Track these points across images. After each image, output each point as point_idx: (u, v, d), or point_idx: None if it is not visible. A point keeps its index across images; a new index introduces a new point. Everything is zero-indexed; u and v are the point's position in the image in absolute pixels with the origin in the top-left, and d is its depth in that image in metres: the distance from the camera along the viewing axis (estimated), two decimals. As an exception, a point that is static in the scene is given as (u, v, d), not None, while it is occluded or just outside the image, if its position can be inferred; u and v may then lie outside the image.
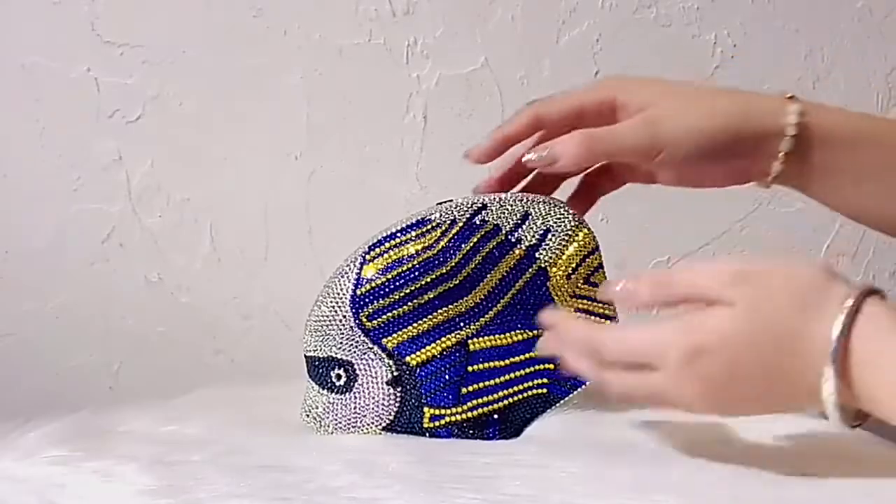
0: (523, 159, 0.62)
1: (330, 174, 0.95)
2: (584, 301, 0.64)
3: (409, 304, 0.63)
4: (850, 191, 0.63)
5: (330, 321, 0.64)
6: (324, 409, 0.65)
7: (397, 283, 0.63)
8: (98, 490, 0.56)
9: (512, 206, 0.63)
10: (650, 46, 0.96)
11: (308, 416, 0.66)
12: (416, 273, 0.63)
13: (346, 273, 0.63)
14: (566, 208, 0.64)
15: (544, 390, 0.64)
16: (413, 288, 0.63)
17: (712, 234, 1.00)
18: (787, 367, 0.49)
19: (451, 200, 0.64)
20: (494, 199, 0.63)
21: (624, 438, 0.61)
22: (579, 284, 0.64)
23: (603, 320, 0.64)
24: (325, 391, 0.65)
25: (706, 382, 0.51)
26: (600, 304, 0.64)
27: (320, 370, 0.65)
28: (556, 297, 0.63)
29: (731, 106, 0.61)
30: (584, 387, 0.63)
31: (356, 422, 0.65)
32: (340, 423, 0.65)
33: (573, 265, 0.63)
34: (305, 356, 0.66)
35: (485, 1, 0.94)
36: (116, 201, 0.93)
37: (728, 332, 0.50)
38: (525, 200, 0.63)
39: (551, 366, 0.63)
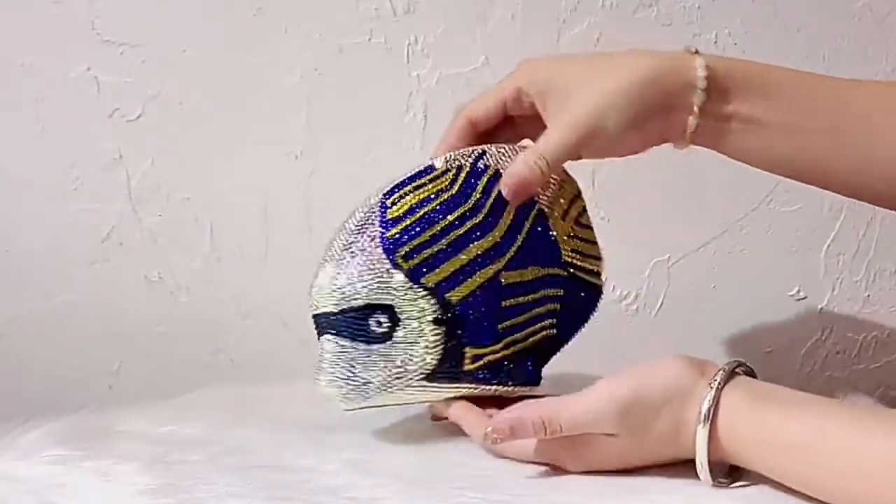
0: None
1: (330, 173, 0.95)
2: (578, 241, 0.68)
3: (443, 240, 0.63)
4: (769, 143, 0.64)
5: (363, 264, 0.63)
6: (361, 367, 0.63)
7: (426, 222, 0.63)
8: (97, 490, 0.56)
9: (507, 151, 0.66)
10: (651, 45, 0.95)
11: (336, 381, 0.63)
12: (442, 212, 0.64)
13: (370, 220, 0.63)
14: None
15: (555, 331, 0.67)
16: (443, 225, 0.63)
17: (712, 233, 1.00)
18: (669, 445, 0.56)
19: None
20: (491, 146, 0.66)
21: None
22: (573, 226, 0.68)
23: (594, 262, 0.69)
24: (360, 343, 0.63)
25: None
26: (591, 244, 0.69)
27: (355, 321, 0.63)
28: (557, 237, 0.67)
29: (640, 73, 0.63)
30: (585, 326, 0.68)
31: (398, 375, 0.63)
32: (377, 380, 0.63)
33: (565, 207, 0.67)
34: (328, 315, 0.63)
35: (485, 1, 0.94)
36: (116, 201, 0.93)
37: (614, 453, 0.57)
38: (517, 148, 0.66)
39: (558, 305, 0.66)
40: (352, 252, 0.63)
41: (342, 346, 0.63)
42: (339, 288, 0.63)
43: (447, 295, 0.63)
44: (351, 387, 0.63)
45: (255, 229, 0.95)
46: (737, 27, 0.96)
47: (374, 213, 0.63)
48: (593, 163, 0.98)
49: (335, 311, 0.63)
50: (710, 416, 0.54)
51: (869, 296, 1.03)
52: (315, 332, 0.65)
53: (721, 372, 0.55)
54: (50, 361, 0.94)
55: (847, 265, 1.03)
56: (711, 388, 0.54)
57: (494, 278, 0.64)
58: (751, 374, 0.58)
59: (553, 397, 0.58)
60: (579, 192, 0.69)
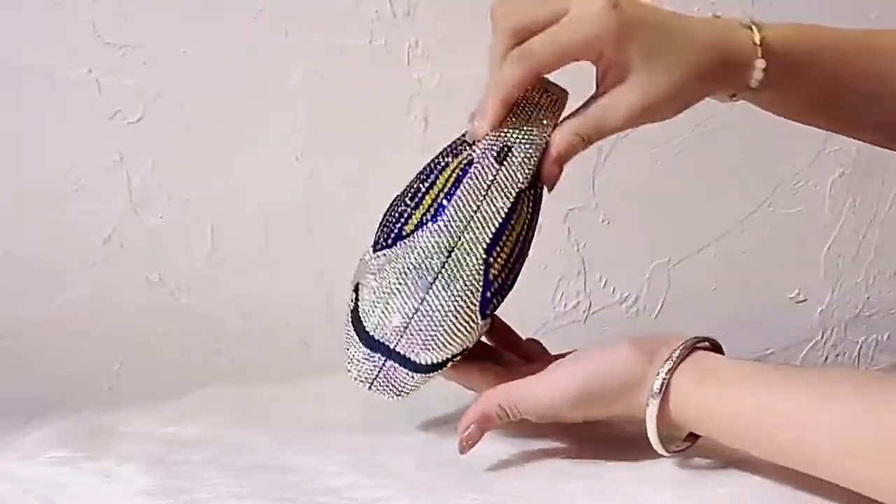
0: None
1: (330, 175, 0.95)
2: None
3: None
4: (826, 104, 0.67)
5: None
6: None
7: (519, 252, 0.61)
8: (98, 490, 0.56)
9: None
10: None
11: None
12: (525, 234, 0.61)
13: (471, 287, 0.59)
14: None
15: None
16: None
17: (713, 235, 1.00)
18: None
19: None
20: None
21: (624, 438, 0.61)
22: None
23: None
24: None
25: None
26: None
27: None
28: None
29: (706, 65, 0.62)
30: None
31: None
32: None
33: None
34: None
35: (486, 1, 0.94)
36: (117, 202, 0.93)
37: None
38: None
39: None
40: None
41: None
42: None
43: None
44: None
45: (255, 231, 0.95)
46: (737, 30, 0.96)
47: (477, 276, 0.59)
48: (593, 164, 0.99)
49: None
50: (659, 402, 0.55)
51: (869, 298, 1.04)
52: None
53: (669, 360, 0.56)
54: (51, 362, 0.94)
55: (847, 268, 1.03)
56: (658, 376, 0.55)
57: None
58: (716, 348, 0.58)
59: (506, 383, 0.59)
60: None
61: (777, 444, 0.52)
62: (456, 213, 0.60)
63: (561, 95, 0.64)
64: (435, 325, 0.59)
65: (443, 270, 0.59)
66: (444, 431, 0.65)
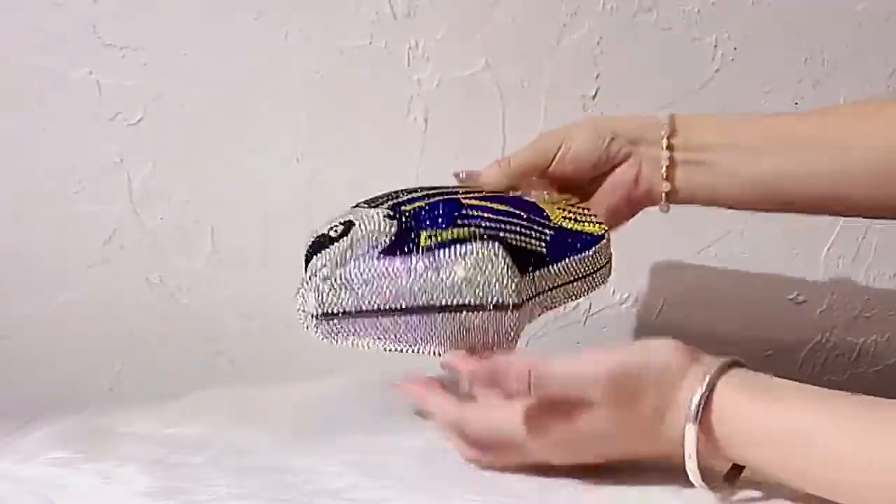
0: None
1: (330, 176, 0.95)
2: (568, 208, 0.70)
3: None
4: (739, 190, 0.71)
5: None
6: (328, 269, 0.64)
7: None
8: (99, 491, 0.56)
9: None
10: (651, 49, 0.96)
11: (310, 301, 0.65)
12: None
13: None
14: None
15: (544, 248, 0.67)
16: None
17: (713, 237, 1.00)
18: (652, 433, 0.54)
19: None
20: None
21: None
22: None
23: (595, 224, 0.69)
24: (322, 252, 0.65)
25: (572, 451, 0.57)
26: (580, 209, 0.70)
27: (318, 242, 0.66)
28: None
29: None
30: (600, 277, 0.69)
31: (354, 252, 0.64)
32: (339, 277, 0.64)
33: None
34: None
35: (486, 3, 0.94)
36: (117, 203, 0.94)
37: (595, 431, 0.55)
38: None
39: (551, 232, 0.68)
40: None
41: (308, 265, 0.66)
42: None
43: (403, 207, 0.65)
44: (318, 297, 0.65)
45: (255, 232, 0.95)
46: (737, 31, 0.96)
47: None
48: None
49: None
50: (701, 407, 0.52)
51: (868, 299, 1.04)
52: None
53: (717, 363, 0.54)
54: (51, 363, 0.94)
55: (846, 269, 1.03)
56: (706, 377, 0.52)
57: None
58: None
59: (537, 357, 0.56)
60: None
61: (821, 466, 0.49)
62: None
63: None
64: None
65: None
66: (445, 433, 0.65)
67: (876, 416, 0.49)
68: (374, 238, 0.63)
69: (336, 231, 0.64)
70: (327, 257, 0.64)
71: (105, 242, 0.94)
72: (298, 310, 0.65)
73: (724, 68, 0.97)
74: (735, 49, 0.97)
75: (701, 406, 0.52)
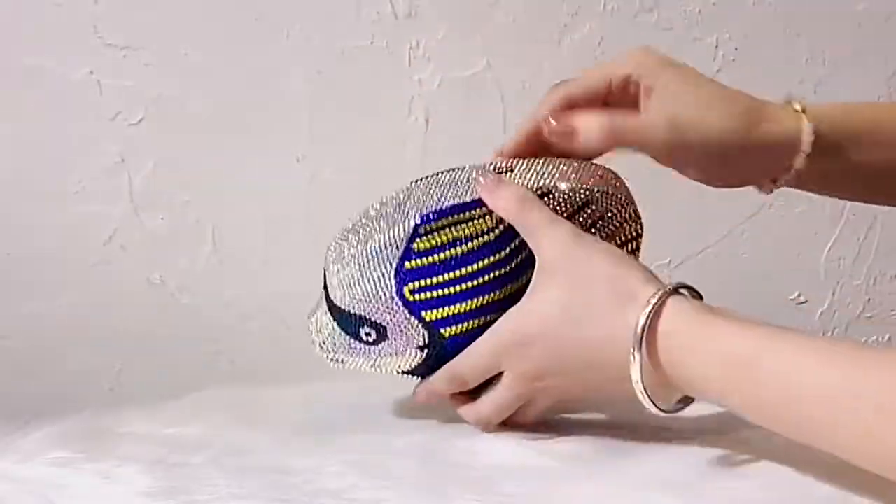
0: (546, 129, 0.62)
1: (331, 176, 0.95)
2: None
3: (460, 286, 0.59)
4: (862, 186, 0.67)
5: (369, 285, 0.60)
6: (343, 350, 0.63)
7: (450, 265, 0.59)
8: (99, 491, 0.56)
9: (574, 195, 0.62)
10: (651, 50, 0.96)
11: (323, 346, 0.64)
12: (472, 257, 0.59)
13: (395, 242, 0.60)
14: (625, 200, 0.65)
15: None
16: (466, 272, 0.59)
17: (714, 236, 1.00)
18: (605, 351, 0.55)
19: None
20: (560, 187, 0.61)
21: (624, 438, 0.61)
22: None
23: None
24: (349, 337, 0.63)
25: (539, 367, 0.58)
26: None
27: (349, 322, 0.62)
28: None
29: (748, 115, 0.62)
30: None
31: (374, 363, 0.63)
32: (357, 363, 0.64)
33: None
34: (332, 303, 0.63)
35: (487, 4, 0.94)
36: (118, 203, 0.94)
37: (548, 313, 0.56)
38: (589, 191, 0.62)
39: None
40: (370, 266, 0.61)
41: (335, 327, 0.64)
42: (344, 286, 0.62)
43: (442, 330, 0.61)
44: (333, 355, 0.64)
45: (256, 232, 0.95)
46: (738, 31, 0.96)
47: (403, 234, 0.59)
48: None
49: (336, 303, 0.63)
50: (650, 318, 0.53)
51: (869, 300, 1.04)
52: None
53: (663, 287, 0.55)
54: (51, 363, 0.94)
55: (847, 269, 1.03)
56: (650, 303, 0.53)
57: (493, 322, 0.60)
58: (698, 298, 0.57)
59: None
60: (638, 236, 0.69)
61: (765, 392, 0.49)
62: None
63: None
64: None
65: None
66: (444, 432, 0.65)
67: (826, 347, 0.48)
68: (399, 366, 0.63)
69: (370, 338, 0.62)
70: (350, 349, 0.64)
71: (105, 243, 0.94)
72: (309, 328, 0.66)
73: (724, 68, 0.97)
74: (736, 49, 0.97)
75: (647, 317, 0.53)
